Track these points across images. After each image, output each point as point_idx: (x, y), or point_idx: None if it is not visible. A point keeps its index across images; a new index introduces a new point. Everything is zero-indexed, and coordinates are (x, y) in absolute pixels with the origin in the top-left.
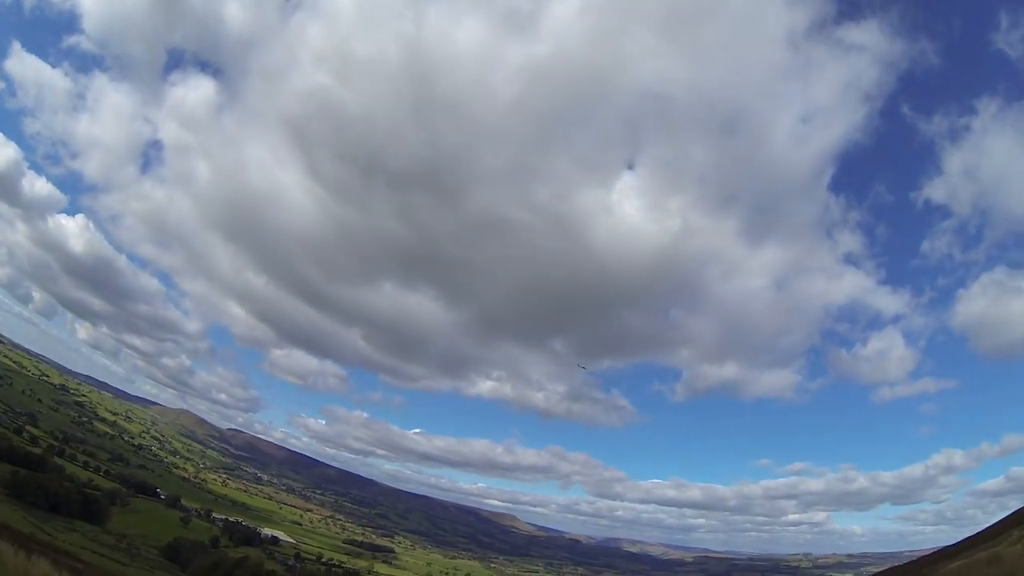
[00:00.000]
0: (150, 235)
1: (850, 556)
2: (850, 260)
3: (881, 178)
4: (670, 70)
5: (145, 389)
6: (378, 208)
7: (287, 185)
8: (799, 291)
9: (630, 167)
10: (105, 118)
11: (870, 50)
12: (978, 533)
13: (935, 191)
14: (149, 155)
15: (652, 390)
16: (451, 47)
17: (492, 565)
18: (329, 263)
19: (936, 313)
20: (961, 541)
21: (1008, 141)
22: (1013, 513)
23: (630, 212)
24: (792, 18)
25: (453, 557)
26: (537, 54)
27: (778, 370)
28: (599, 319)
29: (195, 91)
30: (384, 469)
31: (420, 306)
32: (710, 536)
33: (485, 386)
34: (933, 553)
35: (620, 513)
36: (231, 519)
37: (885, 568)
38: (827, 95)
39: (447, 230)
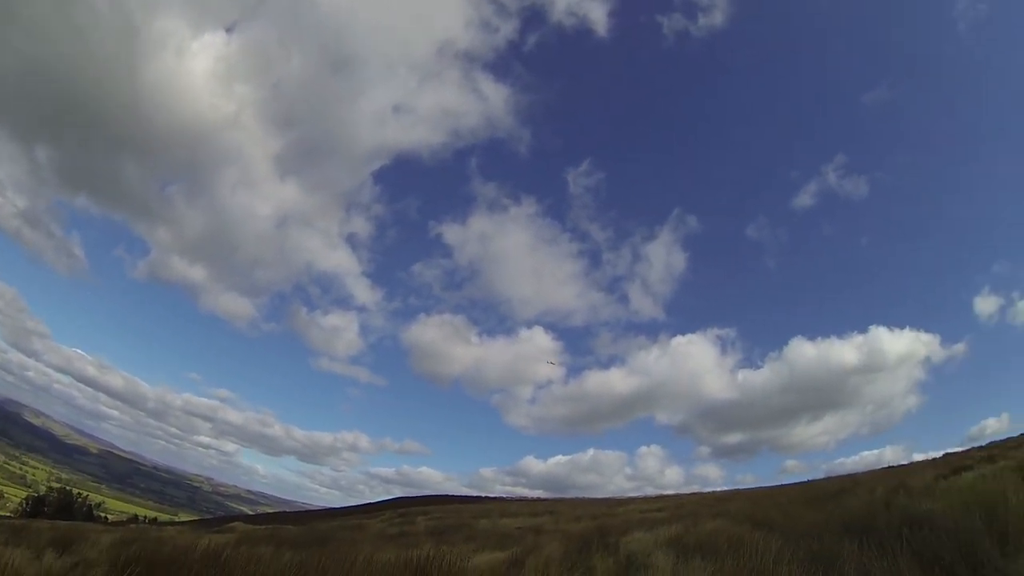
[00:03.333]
0: None
1: (249, 491)
2: (352, 241)
3: (418, 197)
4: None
5: None
6: None
7: None
8: (297, 240)
9: (230, 29)
10: None
11: (491, 101)
12: (360, 505)
13: (451, 234)
14: None
15: (114, 254)
16: None
17: None
18: None
19: (396, 323)
20: (345, 507)
21: (523, 238)
22: (390, 499)
23: (201, 71)
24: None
25: None
26: None
27: (241, 297)
28: (100, 151)
29: None
30: None
31: None
32: (119, 431)
33: None
34: (322, 511)
35: (32, 374)
36: None
37: (279, 511)
38: (431, 109)
39: None
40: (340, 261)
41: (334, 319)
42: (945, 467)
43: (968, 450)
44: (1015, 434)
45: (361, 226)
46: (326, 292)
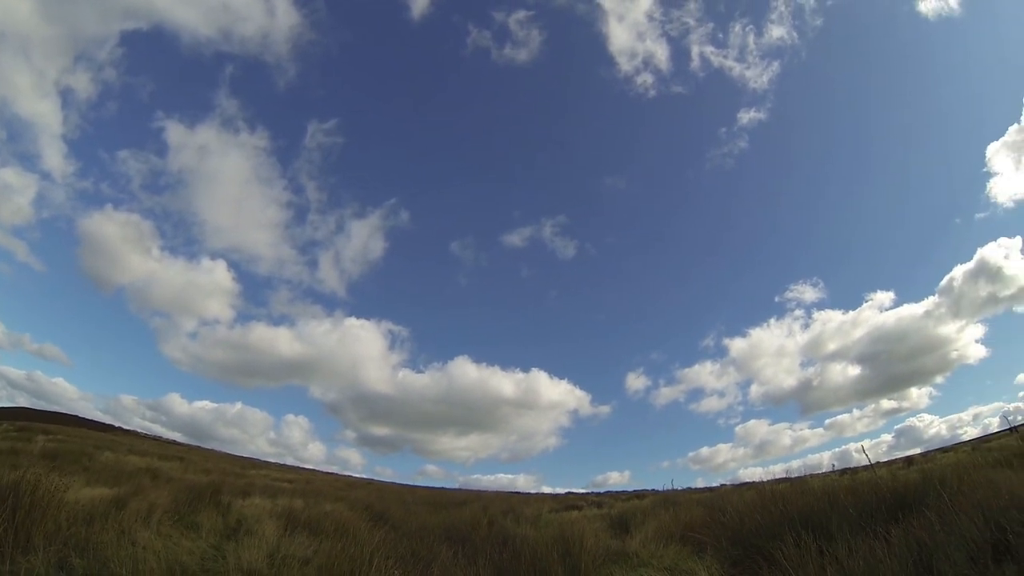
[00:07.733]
0: None
1: None
2: (66, 96)
3: (157, 81)
4: None
5: None
6: None
7: None
8: (3, 67)
9: None
10: None
11: (278, 21)
12: None
13: (174, 133)
14: None
15: None
16: None
17: None
18: None
19: (78, 205)
20: None
21: (242, 168)
22: (10, 407)
23: None
24: None
25: None
26: None
27: None
28: None
29: None
30: None
31: None
32: None
33: None
34: None
35: None
36: None
37: None
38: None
39: None
40: (43, 113)
41: (10, 175)
42: (561, 503)
43: (587, 493)
44: (629, 489)
45: (84, 85)
46: (12, 140)
